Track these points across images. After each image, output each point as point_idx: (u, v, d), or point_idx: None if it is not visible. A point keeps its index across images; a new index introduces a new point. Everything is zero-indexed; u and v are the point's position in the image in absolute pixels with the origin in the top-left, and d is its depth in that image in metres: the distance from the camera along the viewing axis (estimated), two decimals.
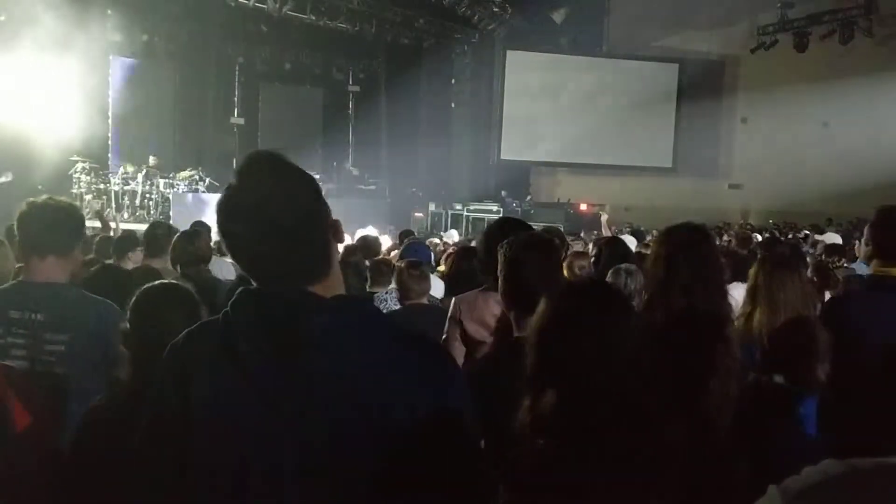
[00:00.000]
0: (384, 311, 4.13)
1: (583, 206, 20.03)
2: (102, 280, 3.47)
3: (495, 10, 19.46)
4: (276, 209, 1.27)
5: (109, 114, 16.15)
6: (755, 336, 2.66)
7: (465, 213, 18.03)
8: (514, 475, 1.40)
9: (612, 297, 1.60)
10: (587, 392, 1.42)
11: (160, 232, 4.48)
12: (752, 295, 2.77)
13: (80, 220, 2.74)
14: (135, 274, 3.94)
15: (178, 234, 4.37)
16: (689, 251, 2.46)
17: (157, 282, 2.35)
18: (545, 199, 21.70)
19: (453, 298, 3.16)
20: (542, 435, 1.43)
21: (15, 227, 2.64)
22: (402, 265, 4.15)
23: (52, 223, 2.54)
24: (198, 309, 2.22)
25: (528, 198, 20.78)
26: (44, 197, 2.64)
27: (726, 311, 2.45)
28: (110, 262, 4.67)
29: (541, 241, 2.30)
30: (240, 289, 1.31)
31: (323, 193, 1.35)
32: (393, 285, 4.44)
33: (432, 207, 18.89)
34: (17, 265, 4.37)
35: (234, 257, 1.35)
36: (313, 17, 17.01)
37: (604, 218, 9.97)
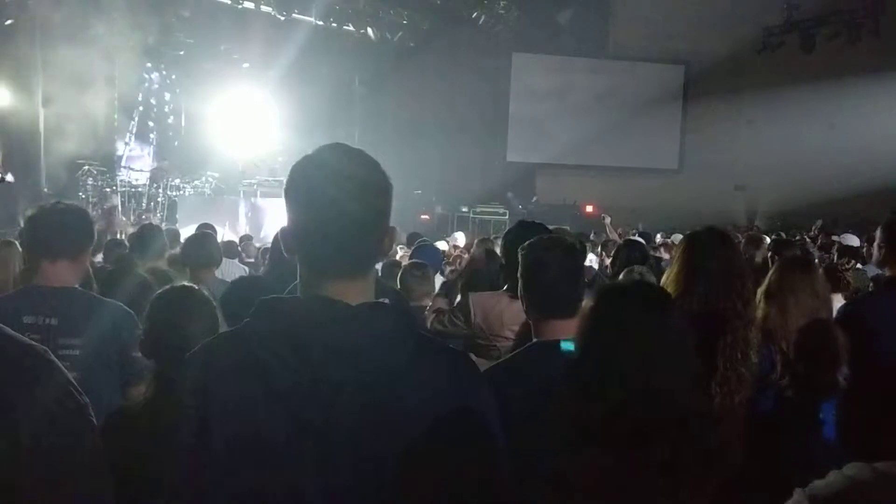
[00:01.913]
0: None
1: (588, 208, 20.00)
2: (118, 283, 3.48)
3: (500, 12, 19.46)
4: (366, 183, 1.29)
5: (116, 117, 16.19)
6: (774, 339, 2.64)
7: (472, 216, 18.03)
8: (571, 486, 1.36)
9: (661, 298, 1.55)
10: (642, 398, 1.37)
11: (148, 233, 4.54)
12: (768, 298, 2.74)
13: (90, 224, 2.74)
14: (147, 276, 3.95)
15: (188, 237, 4.38)
16: (710, 256, 2.45)
17: (173, 286, 2.34)
18: (551, 201, 21.66)
19: (469, 294, 3.16)
20: (594, 442, 1.38)
21: (24, 230, 2.64)
22: (406, 265, 4.19)
23: (63, 227, 2.53)
24: (215, 313, 2.21)
25: (534, 199, 20.76)
26: (53, 201, 2.64)
27: (749, 316, 2.42)
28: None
29: (563, 244, 2.24)
30: (261, 298, 1.29)
31: None
32: None
33: (438, 210, 18.88)
34: (23, 267, 4.43)
35: (301, 228, 1.29)
36: (319, 21, 17.05)
37: (607, 220, 9.94)
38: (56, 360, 1.21)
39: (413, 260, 4.46)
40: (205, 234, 4.62)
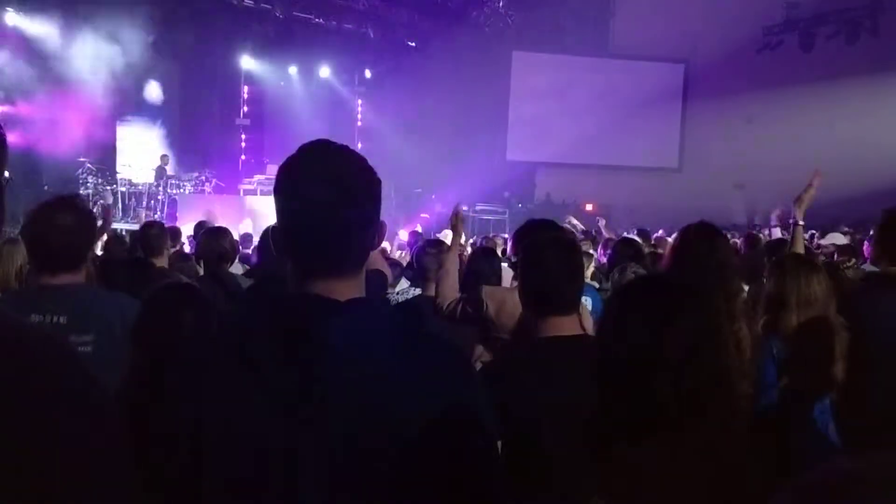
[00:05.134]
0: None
1: (588, 207, 20.01)
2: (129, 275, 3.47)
3: (501, 10, 19.47)
4: (352, 180, 1.28)
5: (116, 115, 16.17)
6: (779, 337, 2.65)
7: (472, 214, 18.03)
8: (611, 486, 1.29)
9: (686, 292, 1.42)
10: (669, 391, 1.27)
11: (154, 231, 4.52)
12: (773, 297, 2.74)
13: (94, 228, 2.67)
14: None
15: (203, 231, 4.37)
16: (696, 252, 2.47)
17: (166, 282, 2.35)
18: (551, 200, 21.68)
19: (483, 286, 3.15)
20: (626, 437, 1.30)
21: (24, 237, 2.55)
22: (422, 244, 4.22)
23: (69, 239, 2.43)
24: (209, 310, 2.21)
25: (535, 198, 20.77)
26: (52, 201, 2.50)
27: (733, 310, 2.44)
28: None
29: (562, 242, 2.25)
30: (252, 296, 1.29)
31: None
32: (402, 286, 4.50)
33: (438, 208, 18.88)
34: (27, 266, 4.42)
35: (289, 228, 1.30)
36: (320, 19, 17.05)
37: (602, 223, 10.04)
38: (75, 349, 1.20)
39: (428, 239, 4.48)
40: (220, 228, 4.57)
